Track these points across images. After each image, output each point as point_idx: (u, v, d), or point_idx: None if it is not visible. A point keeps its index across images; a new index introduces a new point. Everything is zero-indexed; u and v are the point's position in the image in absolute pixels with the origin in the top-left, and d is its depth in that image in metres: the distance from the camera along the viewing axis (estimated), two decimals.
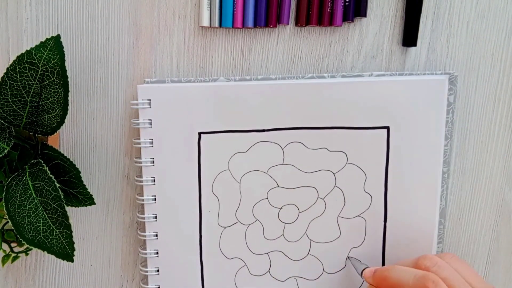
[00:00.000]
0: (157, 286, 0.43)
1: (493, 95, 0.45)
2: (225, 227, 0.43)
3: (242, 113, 0.41)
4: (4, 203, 0.36)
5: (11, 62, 0.35)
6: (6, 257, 0.41)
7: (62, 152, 0.38)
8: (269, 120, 0.41)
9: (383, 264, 0.44)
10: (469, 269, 0.38)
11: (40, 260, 0.44)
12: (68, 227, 0.36)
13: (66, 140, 0.42)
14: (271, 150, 0.42)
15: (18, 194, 0.36)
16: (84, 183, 0.39)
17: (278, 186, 0.43)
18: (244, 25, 0.41)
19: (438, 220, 0.44)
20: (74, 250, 0.36)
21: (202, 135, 0.41)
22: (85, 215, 0.44)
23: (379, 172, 0.43)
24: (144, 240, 0.42)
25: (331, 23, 0.41)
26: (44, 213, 0.36)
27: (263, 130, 0.42)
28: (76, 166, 0.38)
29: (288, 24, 0.42)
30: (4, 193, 0.37)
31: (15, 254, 0.41)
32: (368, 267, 0.41)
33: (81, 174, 0.38)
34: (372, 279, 0.39)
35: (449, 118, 0.42)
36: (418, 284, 0.35)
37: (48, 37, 0.35)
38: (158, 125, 0.41)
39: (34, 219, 0.36)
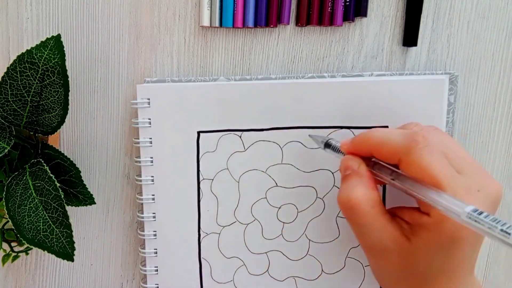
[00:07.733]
0: (156, 285, 0.43)
1: (494, 95, 0.44)
2: (223, 226, 0.43)
3: (241, 112, 0.41)
4: (4, 203, 0.36)
5: (11, 61, 0.35)
6: (6, 256, 0.41)
7: (62, 152, 0.38)
8: (268, 119, 0.41)
9: None
10: (453, 140, 0.36)
11: (40, 260, 0.44)
12: (68, 226, 0.36)
13: (67, 140, 0.42)
14: (270, 149, 0.42)
15: (19, 194, 0.36)
16: (84, 182, 0.39)
17: (277, 186, 0.42)
18: (244, 24, 0.41)
19: None
20: (74, 249, 0.36)
21: (201, 134, 0.41)
22: (85, 214, 0.44)
23: None
24: (144, 240, 0.42)
25: (331, 23, 0.41)
26: (44, 213, 0.36)
27: (262, 129, 0.42)
28: (76, 166, 0.38)
29: (288, 24, 0.42)
30: (4, 193, 0.37)
31: (15, 254, 0.42)
32: (331, 139, 0.38)
33: (81, 174, 0.38)
34: (352, 144, 0.35)
35: (449, 118, 0.42)
36: (407, 140, 0.32)
37: (49, 37, 0.35)
38: (157, 125, 0.41)
39: (34, 218, 0.36)
